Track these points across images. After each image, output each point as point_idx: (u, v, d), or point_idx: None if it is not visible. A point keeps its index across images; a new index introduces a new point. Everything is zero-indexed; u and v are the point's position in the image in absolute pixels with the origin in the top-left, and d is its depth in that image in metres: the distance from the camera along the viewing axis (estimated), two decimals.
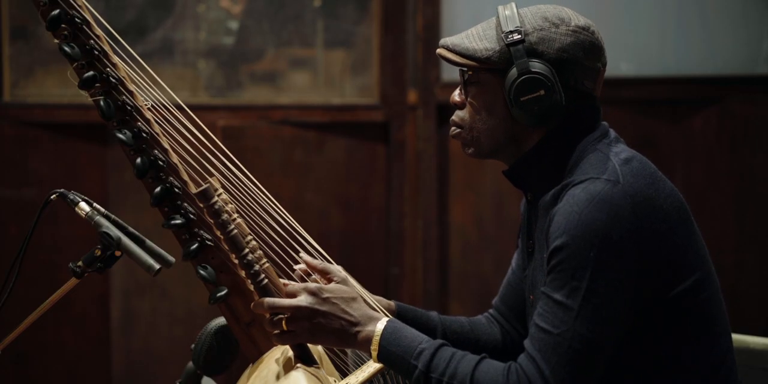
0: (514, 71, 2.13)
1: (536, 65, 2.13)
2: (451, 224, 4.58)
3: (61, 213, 4.26)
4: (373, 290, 2.37)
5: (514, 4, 2.20)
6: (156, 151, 2.17)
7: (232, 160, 2.23)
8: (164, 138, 2.18)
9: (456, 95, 2.24)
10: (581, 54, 2.15)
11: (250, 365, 2.26)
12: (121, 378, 4.51)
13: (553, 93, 2.13)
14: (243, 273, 2.18)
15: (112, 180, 4.45)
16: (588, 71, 2.16)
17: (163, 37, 4.49)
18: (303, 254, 2.27)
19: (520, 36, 2.14)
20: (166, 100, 2.21)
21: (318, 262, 2.27)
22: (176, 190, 2.18)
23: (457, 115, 2.24)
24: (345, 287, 2.19)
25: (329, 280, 2.25)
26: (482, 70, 2.18)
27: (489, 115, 2.20)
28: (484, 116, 2.20)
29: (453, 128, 2.25)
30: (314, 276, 2.27)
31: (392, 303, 2.40)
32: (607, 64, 2.21)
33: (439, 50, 2.24)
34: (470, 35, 2.20)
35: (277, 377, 2.16)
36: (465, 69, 2.20)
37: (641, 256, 2.05)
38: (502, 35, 2.15)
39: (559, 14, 2.17)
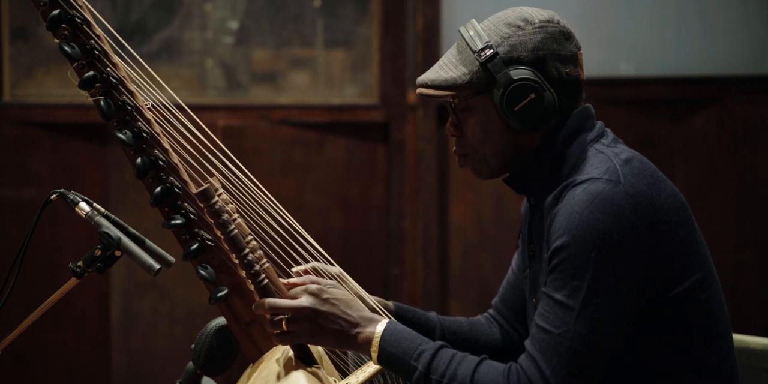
0: (498, 85, 2.13)
1: (517, 72, 2.13)
2: (451, 224, 4.58)
3: (61, 213, 4.27)
4: (373, 290, 2.37)
5: (474, 21, 2.20)
6: (156, 151, 2.17)
7: (232, 160, 2.23)
8: (164, 138, 2.18)
9: (450, 127, 2.24)
10: (555, 45, 2.16)
11: (250, 365, 2.26)
12: (121, 378, 4.51)
13: (543, 93, 2.13)
14: (243, 273, 2.18)
15: (112, 180, 4.45)
16: (566, 59, 2.17)
17: (163, 38, 4.49)
18: (295, 268, 2.27)
19: (491, 50, 2.14)
20: (167, 100, 2.20)
21: (309, 266, 2.27)
22: (176, 190, 2.18)
23: (458, 145, 2.24)
24: (345, 291, 2.19)
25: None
26: (468, 95, 2.18)
27: (489, 134, 2.20)
28: (484, 137, 2.20)
29: (459, 159, 2.25)
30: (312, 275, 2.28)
31: (390, 303, 2.40)
32: (581, 47, 2.21)
33: (418, 90, 2.22)
34: (443, 66, 2.20)
35: (278, 377, 2.16)
36: (451, 100, 2.20)
37: (642, 256, 2.05)
38: (475, 56, 2.15)
39: (520, 15, 2.17)
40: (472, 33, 2.18)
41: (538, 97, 2.13)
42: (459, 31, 2.21)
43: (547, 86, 2.14)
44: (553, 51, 2.15)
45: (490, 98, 2.16)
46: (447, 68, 2.19)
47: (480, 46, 2.15)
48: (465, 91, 2.17)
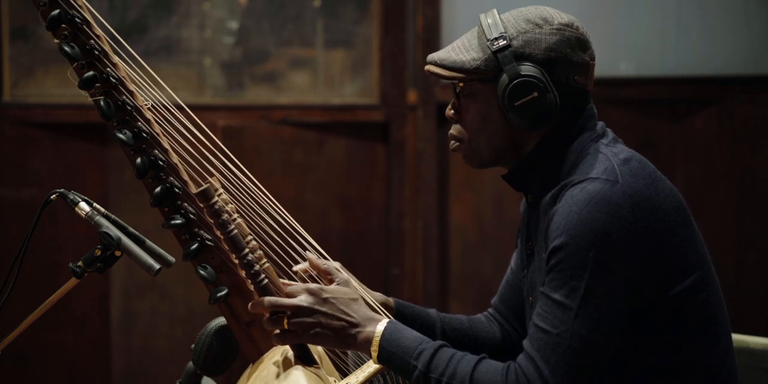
0: (504, 77, 2.14)
1: (525, 68, 2.13)
2: (451, 224, 4.58)
3: (61, 213, 4.27)
4: (372, 290, 2.37)
5: (495, 11, 2.20)
6: (156, 151, 2.17)
7: (232, 160, 2.23)
8: (164, 138, 2.18)
9: (450, 110, 2.24)
10: (569, 50, 2.15)
11: (250, 365, 2.26)
12: (121, 378, 4.51)
13: (546, 93, 2.13)
14: (243, 273, 2.18)
15: (112, 180, 4.45)
16: (577, 66, 2.16)
17: (162, 37, 4.49)
18: (309, 253, 2.27)
19: (505, 42, 2.14)
20: (166, 100, 2.20)
21: (322, 262, 2.27)
22: (176, 190, 2.18)
23: (455, 129, 2.24)
24: (346, 288, 2.19)
25: (330, 282, 2.26)
26: (473, 81, 2.18)
27: (486, 123, 2.20)
28: (481, 126, 2.20)
29: (452, 142, 2.25)
30: (314, 275, 2.28)
31: (390, 299, 2.40)
32: (595, 58, 2.21)
33: (427, 67, 2.23)
34: (456, 48, 2.20)
35: (277, 377, 2.16)
36: (456, 82, 2.20)
37: (640, 255, 2.05)
38: (488, 43, 2.15)
39: (542, 14, 2.17)
40: (490, 21, 2.17)
41: (541, 97, 2.13)
42: (479, 17, 2.20)
43: (552, 88, 2.14)
44: (565, 55, 2.15)
45: (495, 88, 2.16)
46: (459, 50, 2.19)
47: (495, 35, 2.15)
48: (471, 76, 2.17)
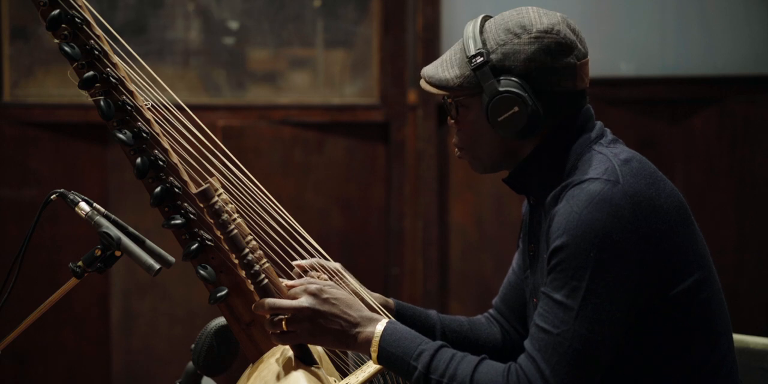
0: (485, 94, 2.14)
1: (505, 83, 2.12)
2: (451, 224, 4.58)
3: (61, 213, 4.27)
4: (373, 290, 2.37)
5: (479, 19, 2.20)
6: (156, 151, 2.17)
7: (232, 160, 2.23)
8: (164, 138, 2.18)
9: (451, 119, 2.25)
10: (548, 58, 2.13)
11: (250, 365, 2.26)
12: (121, 378, 4.51)
13: (527, 106, 2.12)
14: (243, 273, 2.18)
15: (112, 180, 4.45)
16: (561, 72, 2.15)
17: (162, 37, 4.49)
18: (296, 262, 2.28)
19: (482, 58, 2.14)
20: (166, 100, 2.20)
21: (313, 261, 2.28)
22: (176, 190, 2.18)
23: (456, 138, 2.26)
24: (344, 291, 2.19)
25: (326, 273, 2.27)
26: (460, 96, 2.19)
27: (478, 133, 2.21)
28: (475, 135, 2.22)
29: (456, 150, 2.27)
30: (312, 272, 2.28)
31: (390, 300, 2.40)
32: (586, 55, 2.18)
33: (420, 82, 2.25)
34: (444, 62, 2.21)
35: (277, 377, 2.16)
36: (445, 99, 2.22)
37: (641, 255, 2.05)
38: (467, 60, 2.15)
39: (521, 22, 2.15)
40: (470, 34, 2.18)
41: (522, 111, 2.12)
42: (466, 25, 2.21)
43: (534, 99, 2.13)
44: (544, 64, 2.13)
45: (480, 101, 2.17)
46: (444, 66, 2.20)
47: (473, 51, 2.15)
48: (456, 92, 2.19)
